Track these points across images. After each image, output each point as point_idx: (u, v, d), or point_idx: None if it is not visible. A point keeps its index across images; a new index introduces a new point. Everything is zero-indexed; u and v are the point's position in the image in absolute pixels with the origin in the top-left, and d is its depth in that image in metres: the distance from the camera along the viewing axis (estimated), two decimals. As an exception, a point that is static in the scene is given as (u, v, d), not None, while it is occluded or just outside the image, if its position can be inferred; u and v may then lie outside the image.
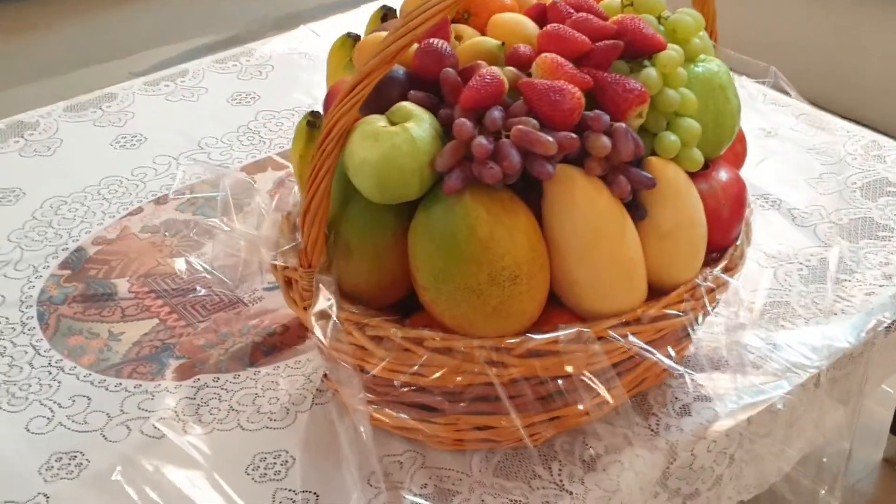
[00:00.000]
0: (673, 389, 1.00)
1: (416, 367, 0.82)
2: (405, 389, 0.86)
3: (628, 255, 0.84)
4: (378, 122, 0.80)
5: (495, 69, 0.81)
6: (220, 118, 1.44)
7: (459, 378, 0.83)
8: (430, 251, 0.80)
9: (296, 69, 1.58)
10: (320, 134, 0.78)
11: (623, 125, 0.81)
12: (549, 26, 0.86)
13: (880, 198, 1.27)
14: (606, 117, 0.80)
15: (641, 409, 0.97)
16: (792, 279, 1.14)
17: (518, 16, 0.92)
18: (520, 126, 0.78)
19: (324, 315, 0.82)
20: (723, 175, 0.92)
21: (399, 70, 0.83)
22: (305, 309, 0.86)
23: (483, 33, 0.93)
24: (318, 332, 0.81)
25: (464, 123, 0.78)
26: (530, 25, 0.91)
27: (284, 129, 1.41)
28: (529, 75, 0.84)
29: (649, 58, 0.87)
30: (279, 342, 1.05)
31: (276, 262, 0.89)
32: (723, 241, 0.93)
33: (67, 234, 1.20)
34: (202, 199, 1.26)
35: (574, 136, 0.79)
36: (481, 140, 0.77)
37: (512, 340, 0.82)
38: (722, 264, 0.92)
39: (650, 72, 0.85)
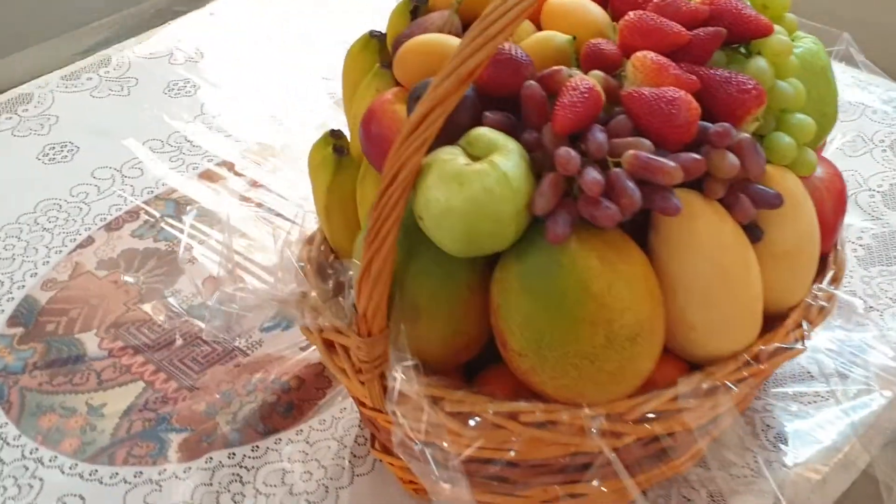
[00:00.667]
0: (760, 414, 0.87)
1: (514, 449, 0.68)
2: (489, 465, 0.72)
3: (753, 290, 0.70)
4: (457, 157, 0.64)
5: (586, 78, 0.66)
6: (159, 115, 1.24)
7: (564, 455, 0.69)
8: (530, 312, 0.64)
9: (232, 48, 1.38)
10: (383, 180, 0.62)
11: (748, 137, 0.66)
12: (631, 15, 0.70)
13: (915, 156, 1.16)
14: (734, 131, 0.65)
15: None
16: (849, 262, 1.02)
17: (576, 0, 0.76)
18: (634, 151, 0.63)
19: (405, 399, 0.66)
20: (822, 170, 0.79)
21: (465, 86, 0.67)
22: (363, 383, 0.70)
23: (536, 23, 0.76)
24: (403, 421, 0.65)
25: (568, 154, 0.62)
26: (597, 12, 0.75)
27: (240, 124, 1.23)
28: (616, 78, 0.69)
29: (747, 44, 0.72)
30: (296, 399, 0.88)
31: (317, 327, 0.72)
32: (826, 247, 0.80)
33: (9, 279, 1.01)
34: (162, 219, 1.08)
35: (698, 157, 0.64)
36: (594, 174, 0.61)
37: (626, 404, 0.68)
38: (829, 275, 0.79)
39: (760, 63, 0.70)
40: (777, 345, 0.73)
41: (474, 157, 0.64)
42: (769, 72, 0.70)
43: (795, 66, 0.72)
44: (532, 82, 0.65)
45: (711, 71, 0.69)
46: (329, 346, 0.73)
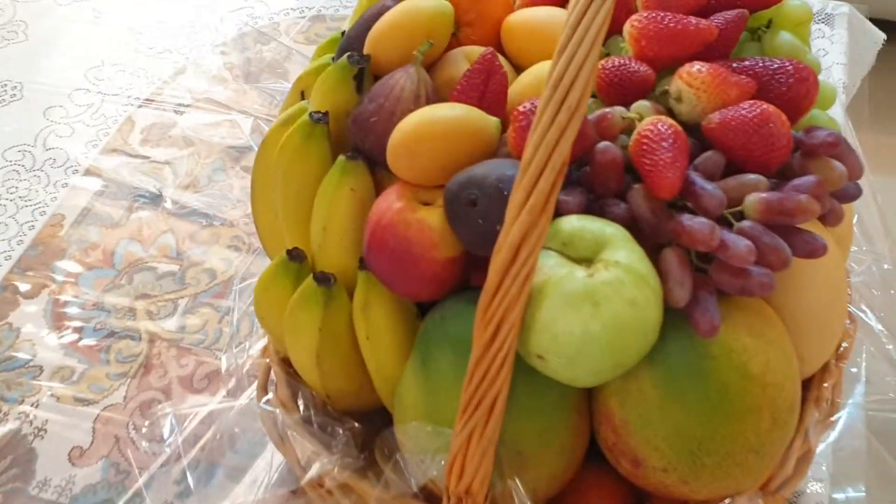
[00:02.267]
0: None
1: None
2: None
3: (846, 300, 0.61)
4: (572, 270, 0.48)
5: (661, 119, 0.52)
6: None
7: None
8: (680, 422, 0.51)
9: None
10: (479, 336, 0.46)
11: (841, 134, 0.56)
12: (641, 19, 0.57)
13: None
14: (840, 136, 0.54)
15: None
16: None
17: (542, 11, 0.61)
18: (760, 195, 0.51)
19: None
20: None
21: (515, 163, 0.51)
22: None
23: (494, 45, 0.61)
24: None
25: (704, 226, 0.49)
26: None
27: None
28: (656, 102, 0.56)
29: (744, 17, 0.61)
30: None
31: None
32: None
33: None
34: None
35: (816, 178, 0.53)
36: (743, 241, 0.49)
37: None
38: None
39: (788, 38, 0.60)
40: (855, 336, 0.65)
41: (581, 260, 0.49)
42: (802, 46, 0.60)
43: (809, 32, 0.62)
44: (607, 143, 0.51)
45: (752, 62, 0.57)
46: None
